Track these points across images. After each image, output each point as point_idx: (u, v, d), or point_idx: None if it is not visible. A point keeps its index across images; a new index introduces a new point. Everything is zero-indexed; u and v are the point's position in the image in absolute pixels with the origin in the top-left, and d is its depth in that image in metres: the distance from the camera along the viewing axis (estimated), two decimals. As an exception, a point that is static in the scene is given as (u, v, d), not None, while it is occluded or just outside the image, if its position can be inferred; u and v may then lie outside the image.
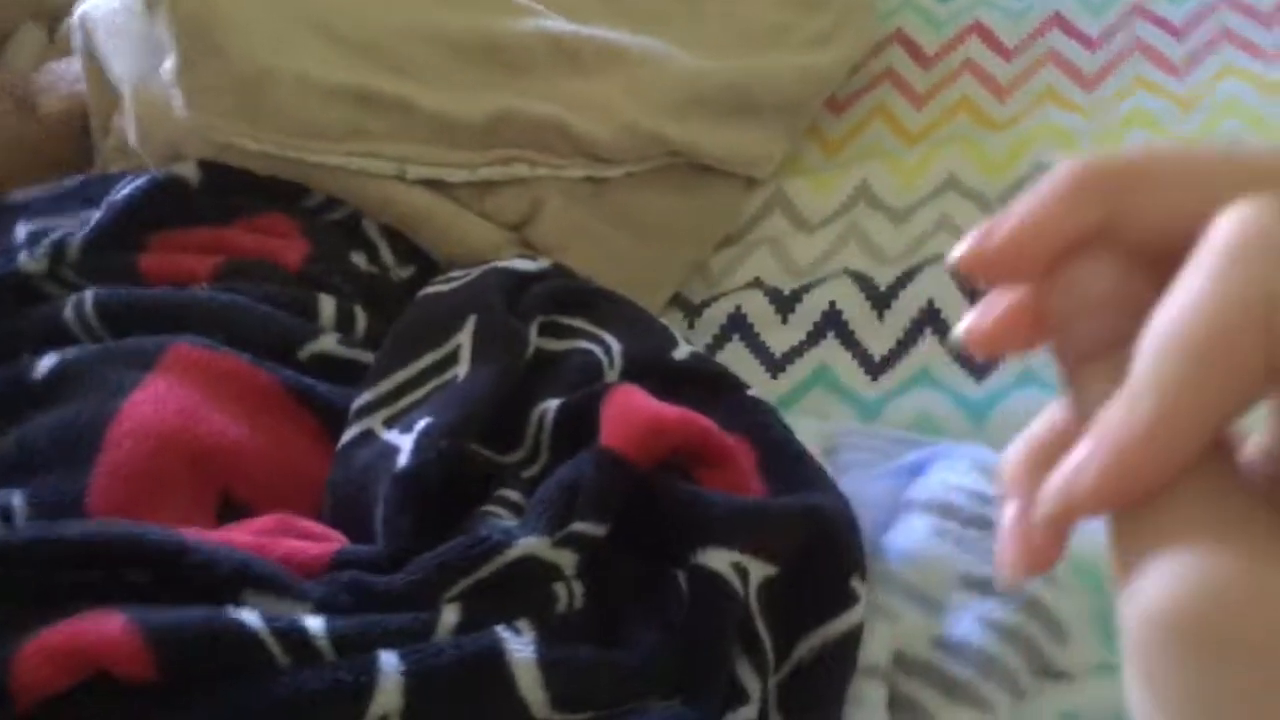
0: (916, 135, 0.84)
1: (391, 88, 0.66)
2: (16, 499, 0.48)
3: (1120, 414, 0.16)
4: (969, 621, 0.46)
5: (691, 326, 0.73)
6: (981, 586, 0.47)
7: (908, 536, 0.49)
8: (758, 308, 0.73)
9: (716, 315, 0.73)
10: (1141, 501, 0.16)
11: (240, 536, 0.43)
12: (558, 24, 0.73)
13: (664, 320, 0.69)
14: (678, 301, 0.75)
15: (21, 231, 0.69)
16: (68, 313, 0.60)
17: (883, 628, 0.47)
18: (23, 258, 0.65)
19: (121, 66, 0.71)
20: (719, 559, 0.44)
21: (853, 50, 0.86)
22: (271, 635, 0.37)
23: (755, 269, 0.76)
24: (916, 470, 0.55)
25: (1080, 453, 0.17)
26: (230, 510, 0.51)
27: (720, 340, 0.72)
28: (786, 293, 0.73)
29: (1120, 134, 0.79)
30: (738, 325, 0.72)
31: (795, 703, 0.44)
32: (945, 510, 0.49)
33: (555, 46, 0.72)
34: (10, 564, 0.38)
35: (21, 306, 0.63)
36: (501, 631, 0.40)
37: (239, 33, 0.64)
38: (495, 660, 0.39)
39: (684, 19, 0.80)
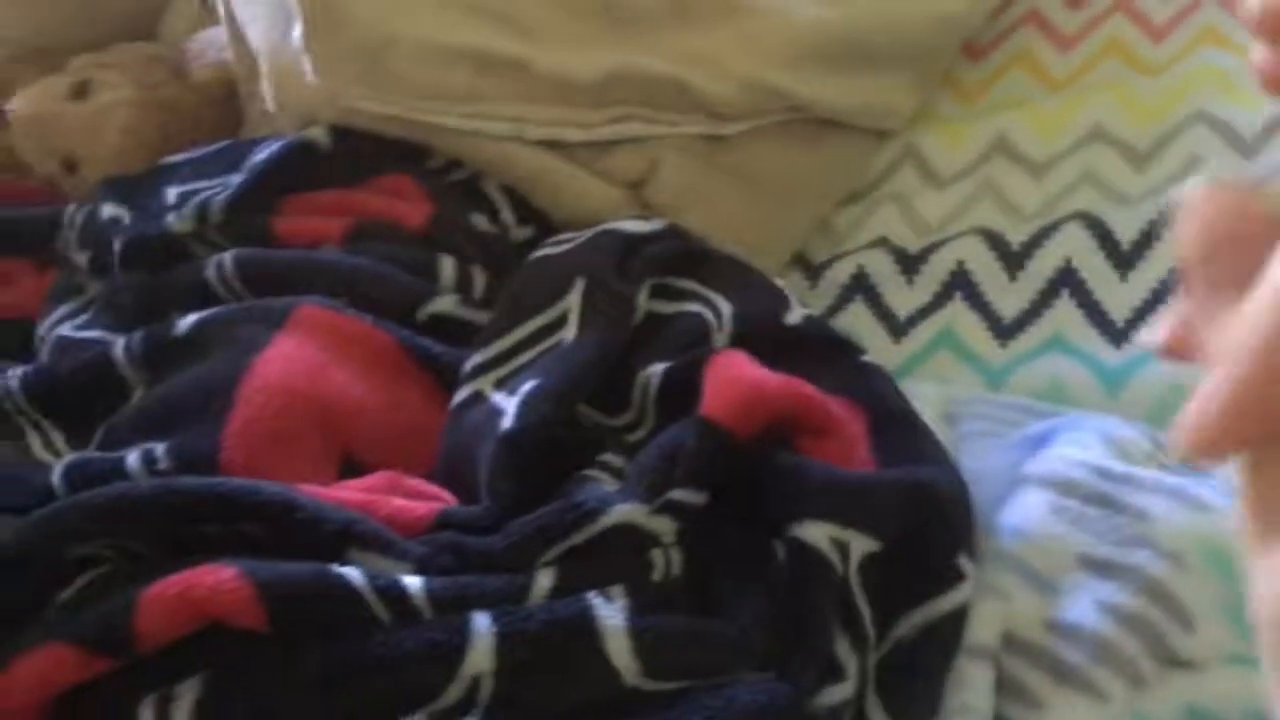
0: (1061, 81, 0.79)
1: (508, 48, 0.67)
2: (160, 449, 0.51)
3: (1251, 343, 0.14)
4: (1085, 604, 0.44)
5: (813, 287, 0.71)
6: (1101, 568, 0.44)
7: (1023, 513, 0.47)
8: (882, 268, 0.70)
9: (838, 275, 0.71)
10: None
11: (350, 494, 0.45)
12: (672, -24, 0.72)
13: (784, 280, 0.68)
14: (799, 261, 0.73)
15: (171, 194, 0.73)
16: (210, 272, 0.64)
17: (992, 607, 0.45)
18: (171, 219, 0.68)
19: (257, 34, 0.73)
20: (817, 532, 0.43)
21: (992, -7, 0.81)
22: (373, 592, 0.39)
23: (881, 227, 0.73)
24: (1040, 442, 0.53)
25: (1209, 383, 0.15)
26: (351, 468, 0.54)
27: (841, 301, 0.70)
28: (913, 252, 0.70)
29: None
30: (860, 286, 0.70)
31: (894, 681, 0.43)
32: (1066, 487, 0.47)
33: (669, 1, 0.70)
34: (134, 516, 0.41)
35: (170, 265, 0.67)
36: (593, 598, 0.40)
37: (358, 1, 0.66)
38: (586, 626, 0.39)
39: (807, -33, 0.77)
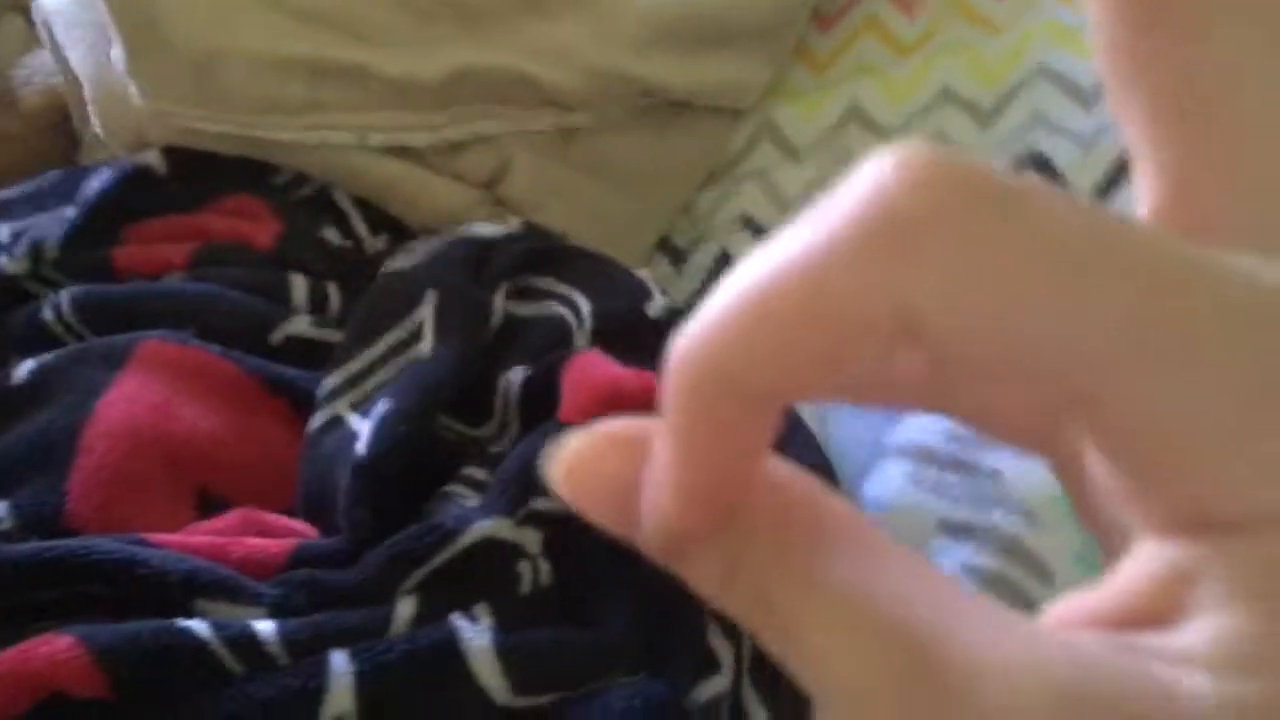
0: (910, 46, 0.80)
1: (345, 54, 0.65)
2: (1, 509, 0.49)
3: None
4: (948, 568, 0.45)
5: (678, 272, 0.71)
6: (960, 531, 0.45)
7: (884, 485, 0.47)
8: (746, 247, 0.70)
9: (703, 259, 0.71)
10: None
11: (200, 540, 0.43)
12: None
13: (648, 267, 0.68)
14: (662, 246, 0.73)
15: (4, 231, 0.69)
16: (47, 313, 0.60)
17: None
18: (3, 259, 0.65)
19: (78, 57, 0.70)
20: None
21: (836, -38, 0.81)
22: (222, 644, 0.37)
23: (743, 205, 0.73)
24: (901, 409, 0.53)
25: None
26: (210, 505, 0.52)
27: (708, 285, 0.70)
28: (775, 229, 0.71)
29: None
30: (725, 268, 0.70)
31: (771, 667, 0.43)
32: (923, 455, 0.47)
33: (516, -6, 0.69)
34: None
35: (5, 309, 0.64)
36: (457, 620, 0.39)
37: (182, 14, 0.63)
38: (450, 651, 0.38)
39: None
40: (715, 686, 0.42)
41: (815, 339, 0.12)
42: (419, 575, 0.41)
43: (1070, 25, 0.77)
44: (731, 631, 0.44)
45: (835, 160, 0.74)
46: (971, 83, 0.76)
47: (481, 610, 0.40)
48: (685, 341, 0.12)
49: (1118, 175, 0.66)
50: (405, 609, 0.40)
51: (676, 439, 0.13)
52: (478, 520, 0.42)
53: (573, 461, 0.14)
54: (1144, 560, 0.12)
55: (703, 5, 0.73)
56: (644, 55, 0.70)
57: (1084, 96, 0.72)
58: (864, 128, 0.75)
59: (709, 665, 0.43)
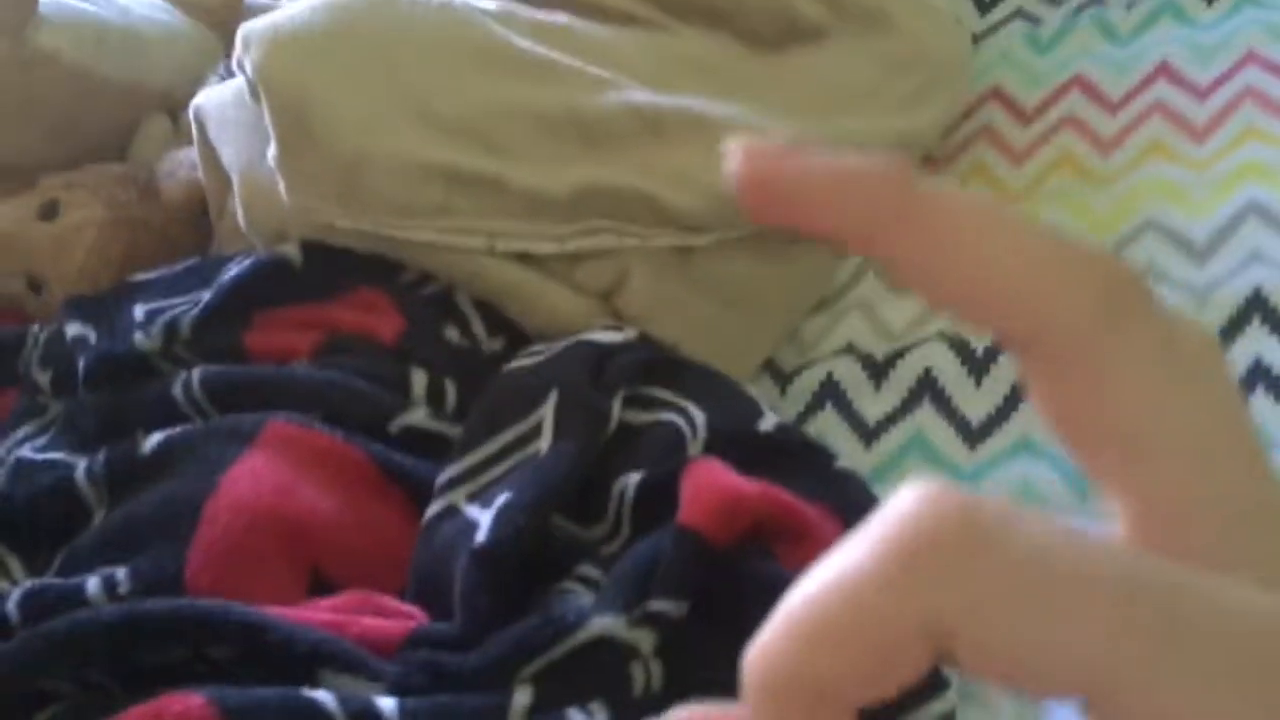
0: (1017, 193, 0.82)
1: (481, 165, 0.68)
2: (121, 574, 0.50)
3: None
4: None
5: (783, 394, 0.72)
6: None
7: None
8: (850, 374, 0.71)
9: (808, 383, 0.72)
10: None
11: (318, 615, 0.43)
12: (641, 94, 0.74)
13: (754, 389, 0.69)
14: (769, 369, 0.74)
15: (139, 311, 0.73)
16: (176, 390, 0.63)
17: (977, 716, 0.44)
18: (139, 337, 0.68)
19: (230, 153, 0.74)
20: None
21: (947, 110, 0.84)
22: (346, 716, 0.38)
23: (848, 334, 0.74)
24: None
25: None
26: (321, 586, 0.52)
27: (812, 408, 0.70)
28: (880, 358, 0.71)
29: (1232, 186, 0.75)
30: (830, 392, 0.71)
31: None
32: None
33: (638, 117, 0.72)
34: (96, 644, 0.40)
35: (136, 384, 0.67)
36: (575, 714, 0.39)
37: (333, 118, 0.67)
38: None
39: (768, 83, 0.80)
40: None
41: (861, 651, 0.14)
42: (537, 665, 0.41)
43: (1177, 182, 0.78)
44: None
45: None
46: (1079, 231, 0.77)
47: (597, 706, 0.40)
48: (756, 650, 0.14)
49: (1232, 329, 0.66)
50: (522, 698, 0.40)
51: None
52: (596, 617, 0.42)
53: None
54: None
55: (821, 141, 0.76)
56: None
57: (1195, 250, 0.72)
58: (970, 267, 0.76)
59: None
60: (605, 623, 0.42)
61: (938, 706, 0.41)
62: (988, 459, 0.65)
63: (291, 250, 0.71)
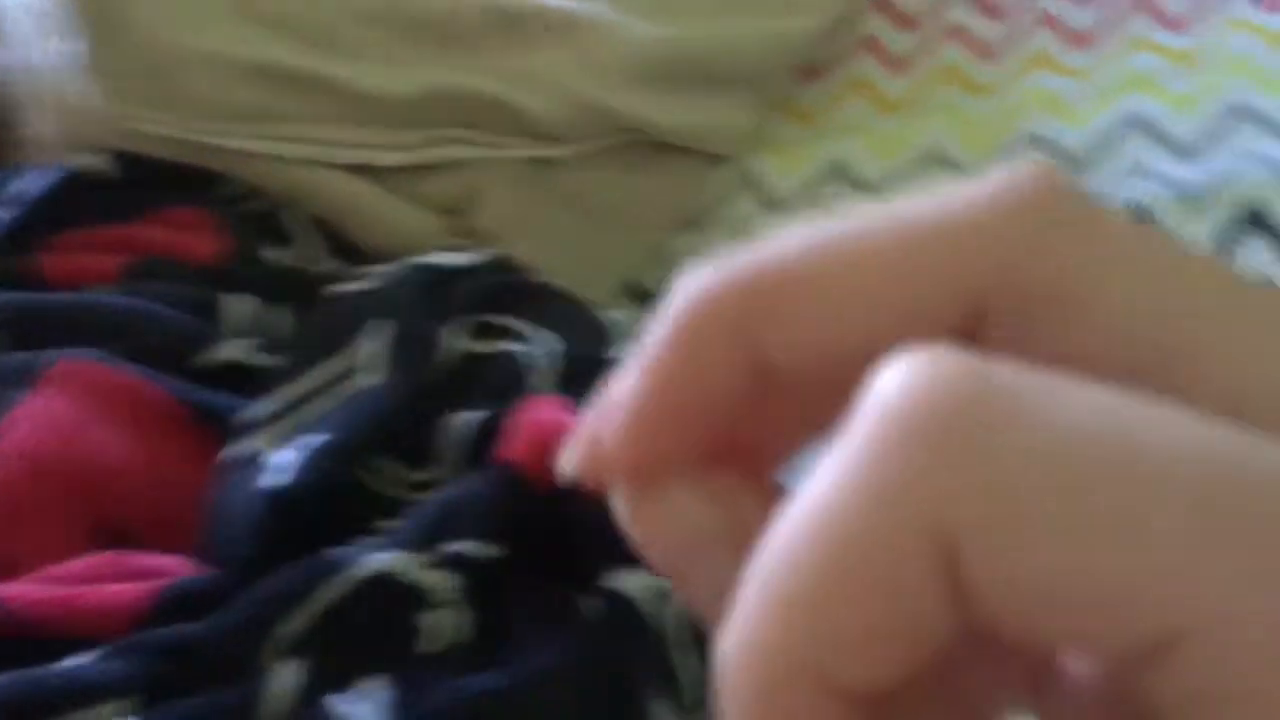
0: (896, 104, 0.78)
1: (308, 64, 0.61)
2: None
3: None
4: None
5: (646, 316, 0.67)
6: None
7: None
8: (719, 296, 0.67)
9: (674, 305, 0.67)
10: None
11: (46, 592, 0.38)
12: (496, -10, 0.67)
13: (617, 310, 0.64)
14: (634, 289, 0.69)
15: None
16: (-33, 323, 0.55)
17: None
18: (-78, 262, 0.60)
19: (22, 53, 0.66)
20: (634, 582, 0.39)
21: (826, 14, 0.80)
22: None
23: (717, 254, 0.70)
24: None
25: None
26: (120, 543, 0.47)
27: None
28: (750, 279, 0.67)
29: (1116, 96, 0.72)
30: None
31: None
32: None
33: (493, 14, 0.66)
34: None
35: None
36: (338, 705, 0.34)
37: (145, 12, 0.59)
38: None
39: (638, -18, 0.74)
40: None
41: (864, 604, 0.10)
42: (297, 623, 0.36)
43: (1060, 94, 0.75)
44: (680, 708, 0.40)
45: (816, 213, 0.71)
46: (957, 145, 0.74)
47: (375, 684, 0.35)
48: (730, 642, 0.11)
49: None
50: (282, 682, 0.35)
51: None
52: (372, 555, 0.37)
53: None
54: None
55: (690, 46, 0.70)
56: (627, 91, 0.68)
57: (1076, 164, 0.70)
58: (846, 183, 0.73)
59: None
60: (384, 559, 0.37)
61: None
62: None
63: (101, 161, 0.63)
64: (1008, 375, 0.10)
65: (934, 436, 0.10)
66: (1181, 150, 0.68)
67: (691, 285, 0.13)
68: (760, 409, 0.13)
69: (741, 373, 0.13)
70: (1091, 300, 0.12)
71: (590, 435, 0.14)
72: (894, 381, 0.10)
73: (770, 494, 0.13)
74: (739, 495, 0.13)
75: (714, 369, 0.13)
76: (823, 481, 0.10)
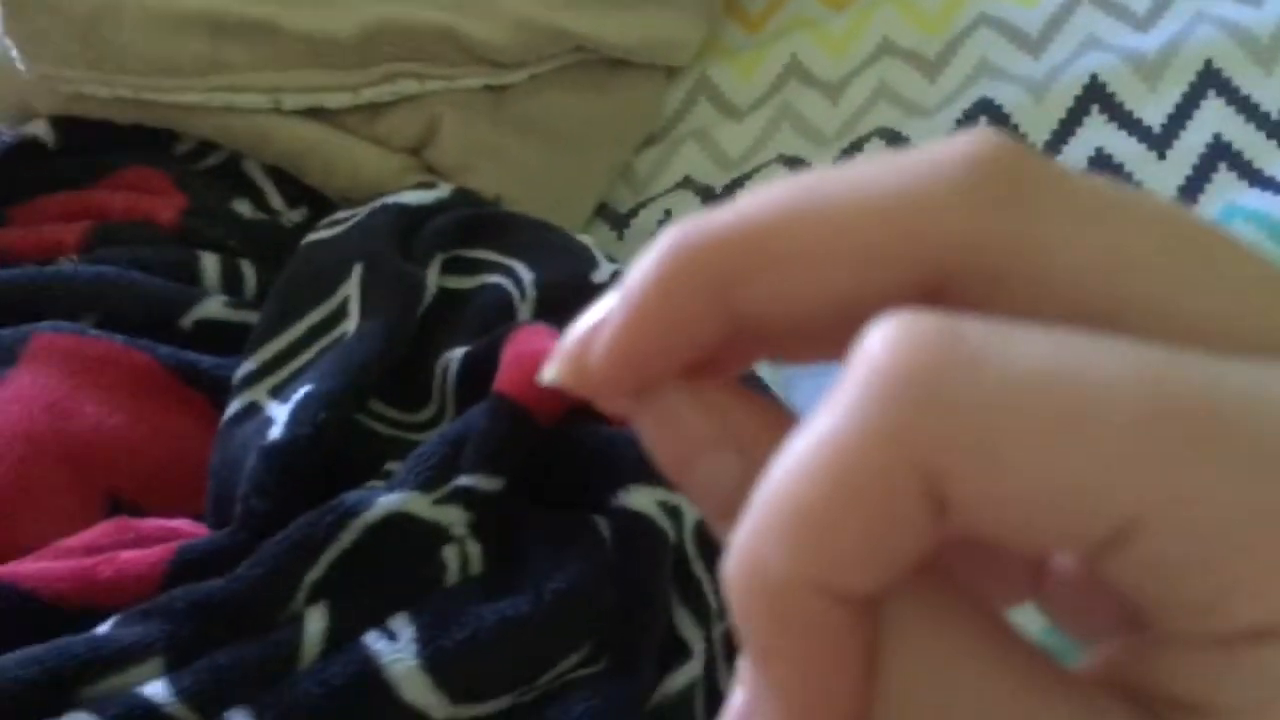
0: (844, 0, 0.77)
1: (251, 8, 0.59)
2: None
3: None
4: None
5: (620, 238, 0.67)
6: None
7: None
8: (688, 209, 0.67)
9: (646, 223, 0.67)
10: None
11: (62, 565, 0.38)
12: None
13: (589, 235, 0.64)
14: (603, 212, 0.69)
15: None
16: (-76, 306, 0.54)
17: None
18: None
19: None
20: (643, 498, 0.39)
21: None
22: None
23: (684, 166, 0.70)
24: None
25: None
26: (124, 512, 0.47)
27: (652, 249, 0.66)
28: (718, 190, 0.67)
29: (1065, -29, 0.72)
30: (669, 231, 0.67)
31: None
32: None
33: (429, -58, 0.64)
34: None
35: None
36: (373, 643, 0.35)
37: (64, -34, 0.57)
38: (369, 680, 0.34)
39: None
40: (687, 674, 0.39)
41: (857, 524, 0.12)
42: (321, 568, 0.36)
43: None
44: (702, 615, 0.41)
45: (776, 116, 0.71)
46: (911, 32, 0.73)
47: (401, 621, 0.36)
48: (735, 558, 0.12)
49: (1072, 120, 0.64)
50: (314, 626, 0.35)
51: (777, 666, 0.13)
52: (386, 495, 0.38)
53: None
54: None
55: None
56: (577, 8, 0.66)
57: (1030, 43, 0.70)
58: (804, 83, 0.72)
59: (679, 653, 0.39)
60: (395, 499, 0.37)
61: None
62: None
63: (41, 130, 0.61)
64: (975, 328, 0.12)
65: (915, 385, 0.12)
66: (1134, 19, 0.67)
67: (669, 240, 0.14)
68: (730, 341, 0.14)
69: (715, 320, 0.14)
70: (1044, 265, 0.13)
71: (574, 350, 0.15)
72: (880, 340, 0.12)
73: (752, 401, 0.15)
74: (726, 401, 0.14)
75: (689, 319, 0.14)
76: (825, 424, 0.12)
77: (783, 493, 0.12)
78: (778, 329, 0.14)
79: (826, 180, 0.14)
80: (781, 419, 0.14)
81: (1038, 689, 0.12)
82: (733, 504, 0.13)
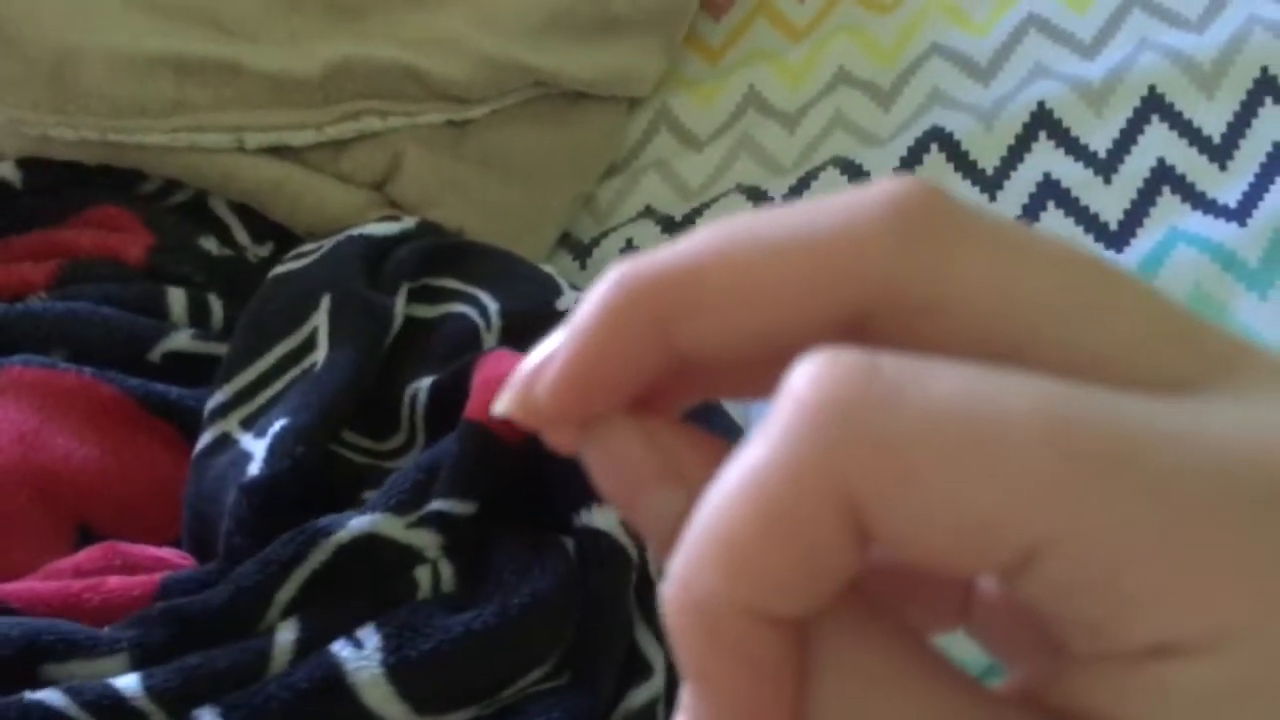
0: (802, 30, 0.79)
1: (214, 49, 0.60)
2: None
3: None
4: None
5: (583, 268, 0.68)
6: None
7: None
8: (650, 238, 0.68)
9: (608, 252, 0.68)
10: None
11: (49, 586, 0.38)
12: (390, -44, 0.67)
13: (552, 265, 0.65)
14: (566, 242, 0.70)
15: None
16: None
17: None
18: None
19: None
20: (606, 517, 0.40)
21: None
22: (82, 710, 0.33)
23: (645, 196, 0.71)
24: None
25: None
26: (91, 541, 0.47)
27: (615, 278, 0.67)
28: (679, 219, 0.69)
29: (1013, 2, 0.74)
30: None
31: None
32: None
33: (390, -19, 0.66)
34: None
35: None
36: (340, 650, 0.36)
37: (30, 12, 0.58)
38: (334, 686, 0.35)
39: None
40: (648, 692, 0.40)
41: (783, 550, 0.12)
42: (292, 587, 0.37)
43: (958, 3, 0.77)
44: (663, 635, 0.41)
45: (735, 146, 0.73)
46: (866, 62, 0.75)
47: (368, 632, 0.37)
48: (671, 585, 0.13)
49: (1020, 146, 0.66)
50: (284, 636, 0.36)
51: (712, 687, 0.13)
52: (360, 517, 0.38)
53: None
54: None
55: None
56: (536, 43, 0.68)
57: (980, 71, 0.72)
58: (762, 113, 0.74)
59: (640, 670, 0.40)
60: (367, 521, 0.38)
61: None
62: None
63: (8, 171, 0.62)
64: (890, 364, 0.13)
65: (835, 418, 0.12)
66: (1080, 47, 0.70)
67: (613, 278, 0.15)
68: (670, 376, 0.15)
69: (656, 355, 0.15)
70: (956, 301, 0.14)
71: (523, 383, 0.16)
72: (804, 376, 0.13)
73: (693, 436, 0.15)
74: (669, 435, 0.15)
75: (631, 354, 0.15)
76: (752, 456, 0.13)
77: (713, 521, 0.13)
78: (716, 365, 0.15)
79: (760, 221, 0.14)
80: (723, 453, 0.15)
81: (959, 708, 0.13)
82: (676, 535, 0.14)
